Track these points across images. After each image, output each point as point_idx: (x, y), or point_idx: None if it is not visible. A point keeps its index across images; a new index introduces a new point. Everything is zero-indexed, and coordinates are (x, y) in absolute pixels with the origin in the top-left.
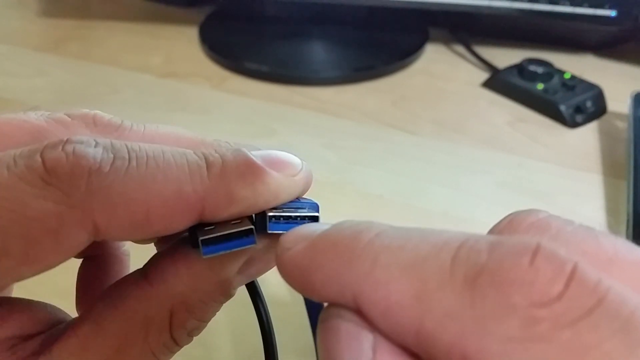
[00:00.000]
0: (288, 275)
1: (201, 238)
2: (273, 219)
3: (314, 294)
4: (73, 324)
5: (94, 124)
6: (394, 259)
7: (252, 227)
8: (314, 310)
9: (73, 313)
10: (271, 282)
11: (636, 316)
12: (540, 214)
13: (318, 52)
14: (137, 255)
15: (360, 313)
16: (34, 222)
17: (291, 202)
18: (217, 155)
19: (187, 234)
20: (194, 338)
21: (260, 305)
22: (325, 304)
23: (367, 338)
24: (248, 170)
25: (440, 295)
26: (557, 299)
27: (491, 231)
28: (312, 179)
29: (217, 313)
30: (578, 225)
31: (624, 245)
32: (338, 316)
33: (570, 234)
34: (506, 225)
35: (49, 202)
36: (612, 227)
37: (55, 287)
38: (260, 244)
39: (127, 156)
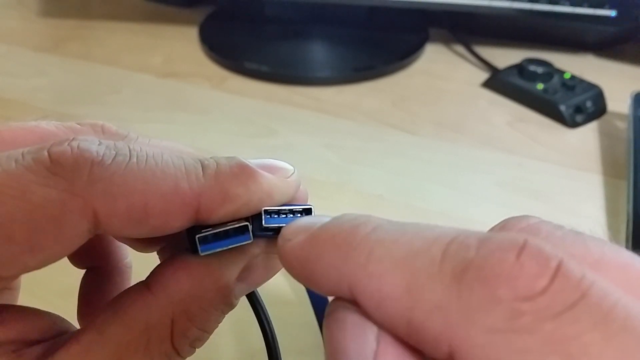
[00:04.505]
0: (289, 266)
1: (198, 236)
2: (268, 214)
3: (313, 285)
4: (77, 332)
5: (102, 132)
6: (387, 252)
7: (247, 223)
8: (319, 305)
9: (73, 313)
10: (271, 282)
11: (616, 309)
12: (532, 220)
13: (318, 52)
14: (141, 269)
15: (356, 304)
16: (38, 209)
17: (285, 204)
18: (211, 160)
19: (188, 246)
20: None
21: (259, 308)
22: (330, 299)
23: (371, 329)
24: (241, 171)
25: (430, 287)
26: (540, 293)
27: None
28: (307, 193)
29: None
30: (568, 230)
31: (611, 249)
32: (344, 308)
33: (559, 238)
34: (498, 230)
35: (53, 189)
36: (612, 227)
37: (56, 287)
38: (257, 247)
39: (128, 153)
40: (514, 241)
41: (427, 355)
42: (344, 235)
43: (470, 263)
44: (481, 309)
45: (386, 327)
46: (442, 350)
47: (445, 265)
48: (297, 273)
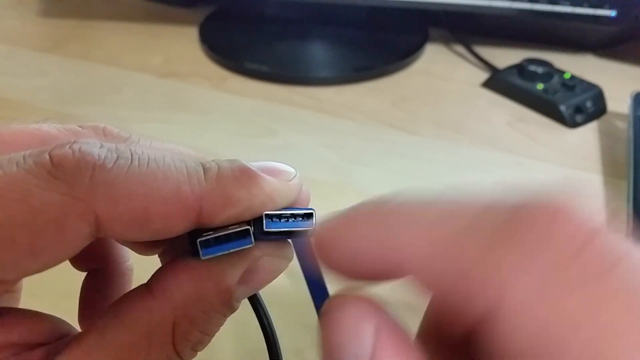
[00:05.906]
0: (323, 254)
1: (200, 240)
2: (269, 218)
3: (354, 265)
4: (78, 335)
5: (104, 134)
6: (425, 215)
7: (249, 227)
8: (321, 306)
9: (74, 314)
10: (272, 282)
11: None
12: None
13: (318, 52)
14: (142, 272)
15: (401, 270)
16: (39, 212)
17: (287, 208)
18: (213, 162)
19: (189, 249)
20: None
21: (260, 308)
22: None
23: (368, 326)
24: (243, 174)
25: (472, 242)
26: (583, 251)
27: None
28: (309, 194)
29: None
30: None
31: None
32: (339, 308)
33: None
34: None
35: (54, 193)
36: (612, 227)
37: (56, 287)
38: (259, 250)
39: (129, 156)
40: (553, 202)
41: (460, 318)
42: (376, 207)
43: (514, 218)
44: (524, 265)
45: (432, 285)
46: (479, 308)
47: (484, 224)
48: (333, 257)
